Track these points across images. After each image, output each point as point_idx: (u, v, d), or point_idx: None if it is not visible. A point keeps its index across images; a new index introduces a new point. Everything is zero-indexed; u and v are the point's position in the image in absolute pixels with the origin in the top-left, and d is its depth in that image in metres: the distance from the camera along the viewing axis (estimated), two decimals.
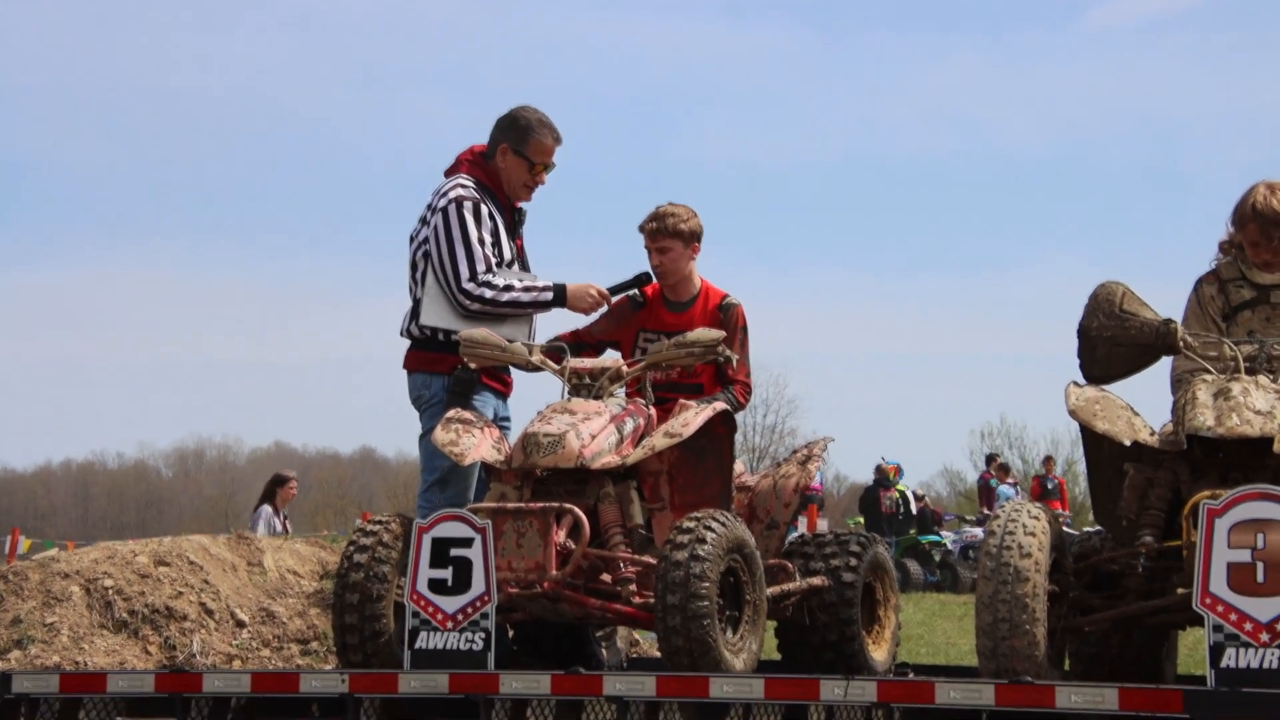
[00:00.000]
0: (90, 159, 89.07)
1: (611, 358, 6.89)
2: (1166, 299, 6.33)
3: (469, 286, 6.94)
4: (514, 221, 7.27)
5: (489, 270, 6.98)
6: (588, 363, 6.63)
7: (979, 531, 22.96)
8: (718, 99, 78.67)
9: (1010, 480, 27.00)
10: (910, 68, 77.02)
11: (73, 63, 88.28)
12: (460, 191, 7.08)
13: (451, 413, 6.52)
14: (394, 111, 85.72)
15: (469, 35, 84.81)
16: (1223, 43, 70.79)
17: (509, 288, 6.99)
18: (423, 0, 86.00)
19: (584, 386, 6.51)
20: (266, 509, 16.24)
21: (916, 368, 70.80)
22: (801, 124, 77.89)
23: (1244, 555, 5.22)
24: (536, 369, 6.66)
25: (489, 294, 6.95)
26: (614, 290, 7.11)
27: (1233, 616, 5.20)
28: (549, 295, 7.07)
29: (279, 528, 15.94)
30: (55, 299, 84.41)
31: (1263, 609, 5.19)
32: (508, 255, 7.13)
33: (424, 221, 7.14)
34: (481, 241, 7.00)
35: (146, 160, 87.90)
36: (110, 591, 8.65)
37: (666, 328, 6.87)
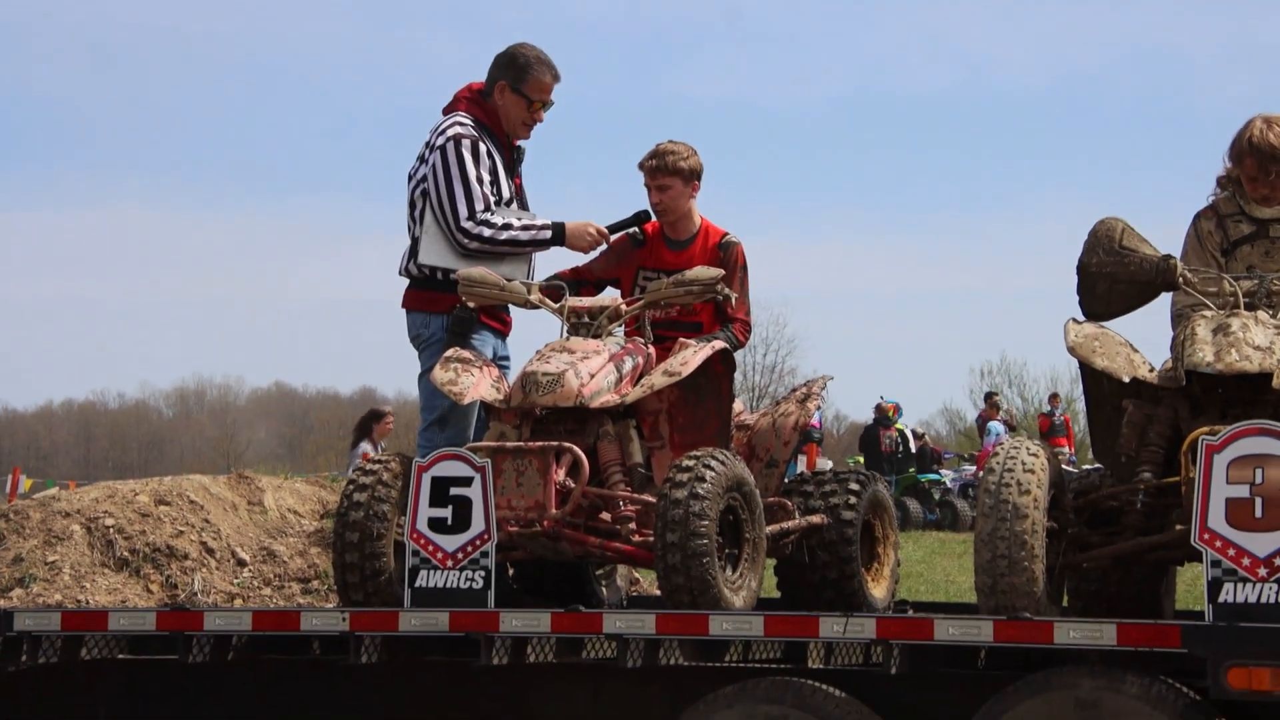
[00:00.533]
0: (88, 96, 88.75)
1: (610, 296, 6.88)
2: (1167, 235, 6.31)
3: (467, 225, 6.92)
4: (513, 160, 7.24)
5: (487, 209, 6.95)
6: (586, 301, 6.62)
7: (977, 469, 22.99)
8: (717, 35, 78.28)
9: (1000, 417, 27.00)
10: (910, 3, 76.61)
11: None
12: (458, 130, 7.05)
13: (450, 352, 6.51)
14: (394, 48, 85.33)
15: None
16: None
17: (507, 226, 6.97)
18: None
19: (583, 325, 6.50)
20: (365, 445, 15.70)
21: (916, 306, 70.79)
22: (801, 60, 77.59)
23: (1242, 491, 5.23)
24: (535, 308, 6.65)
25: (487, 232, 6.93)
26: (613, 229, 7.09)
27: (1231, 552, 5.21)
28: (547, 234, 7.05)
29: None
30: (55, 238, 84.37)
31: (1261, 544, 5.20)
32: (506, 194, 7.10)
33: (422, 160, 7.12)
34: (480, 180, 6.97)
35: (145, 98, 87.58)
36: (111, 530, 8.68)
37: (666, 266, 6.85)
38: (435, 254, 7.01)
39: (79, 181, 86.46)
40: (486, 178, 7.01)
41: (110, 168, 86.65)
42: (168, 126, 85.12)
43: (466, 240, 6.93)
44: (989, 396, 30.43)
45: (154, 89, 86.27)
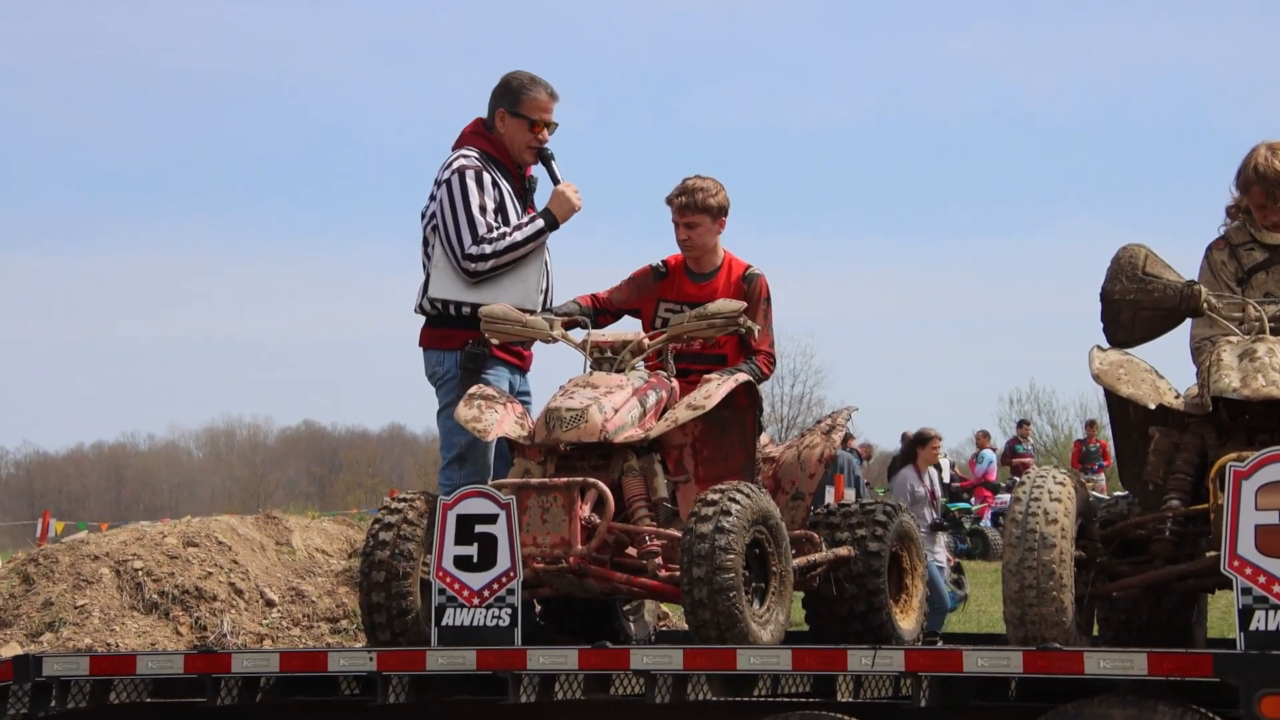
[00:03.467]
0: (112, 138, 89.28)
1: (632, 330, 6.87)
2: (1192, 260, 6.29)
3: (471, 251, 6.98)
4: (524, 188, 7.29)
5: (490, 232, 7.00)
6: (609, 336, 6.62)
7: (1009, 498, 22.91)
8: (744, 64, 78.33)
9: (991, 446, 27.12)
10: (934, 30, 76.63)
11: (87, 42, 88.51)
12: (462, 162, 7.12)
13: (474, 389, 6.52)
14: (413, 88, 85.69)
15: (484, 5, 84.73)
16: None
17: (503, 235, 7.01)
18: None
19: (605, 360, 6.50)
20: (908, 471, 14.89)
21: (945, 334, 70.50)
22: (825, 88, 77.61)
23: (1272, 517, 5.19)
24: (557, 342, 6.66)
25: (489, 249, 6.98)
26: (554, 179, 7.20)
27: (1261, 579, 5.17)
28: (540, 223, 7.11)
29: (921, 490, 14.16)
30: (84, 281, 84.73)
31: None
32: (518, 221, 7.13)
33: (432, 197, 7.17)
34: (483, 209, 7.03)
35: (171, 139, 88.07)
36: (140, 573, 8.70)
37: (688, 299, 6.85)
38: (444, 287, 7.05)
39: (107, 224, 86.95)
40: (490, 206, 7.05)
41: (138, 209, 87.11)
42: (194, 167, 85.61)
43: (472, 266, 6.97)
44: (1021, 425, 30.33)
45: (176, 129, 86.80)
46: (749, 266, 6.99)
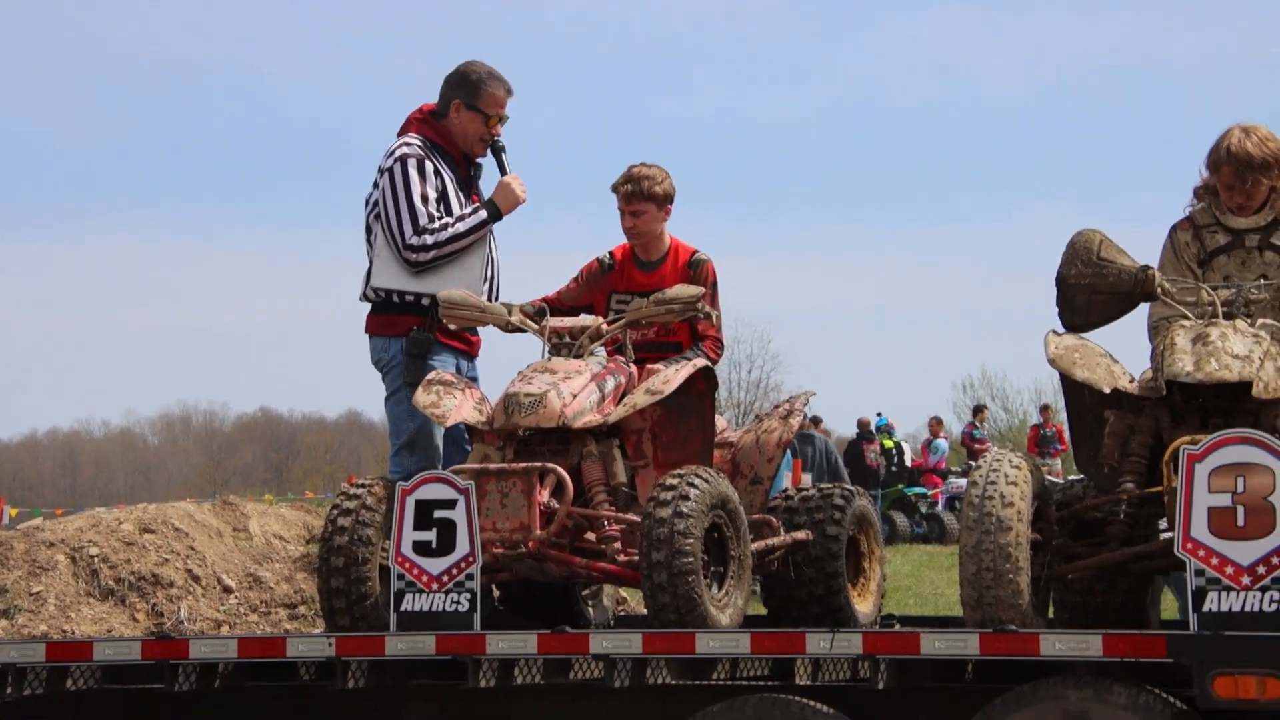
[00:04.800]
0: (65, 123, 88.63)
1: (590, 317, 6.88)
2: (1145, 246, 6.33)
3: (412, 241, 6.99)
4: (470, 176, 7.29)
5: (431, 222, 6.99)
6: (567, 321, 6.62)
7: (964, 483, 23.01)
8: (699, 53, 78.40)
9: (944, 435, 27.34)
10: (891, 17, 76.79)
11: (54, 30, 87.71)
12: (404, 150, 7.11)
13: (432, 374, 6.52)
14: (365, 74, 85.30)
15: None
16: None
17: (444, 226, 7.01)
18: None
19: (564, 345, 6.51)
20: None
21: (899, 320, 70.86)
22: (780, 76, 77.70)
23: (1224, 499, 5.24)
24: (517, 329, 6.66)
25: (430, 240, 6.99)
26: (501, 169, 7.23)
27: (1214, 560, 5.22)
28: (483, 214, 7.13)
29: None
30: (37, 268, 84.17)
31: (1244, 552, 5.20)
32: (459, 211, 7.12)
33: (375, 184, 7.17)
34: (424, 198, 7.03)
35: (123, 126, 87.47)
36: (96, 560, 8.65)
37: (638, 288, 6.86)
38: (387, 276, 7.05)
39: (59, 210, 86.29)
40: (433, 195, 7.05)
41: (90, 196, 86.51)
42: (146, 154, 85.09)
43: (414, 256, 6.98)
44: (977, 410, 30.48)
45: (128, 115, 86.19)
46: (695, 251, 7.00)
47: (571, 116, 73.85)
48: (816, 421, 23.52)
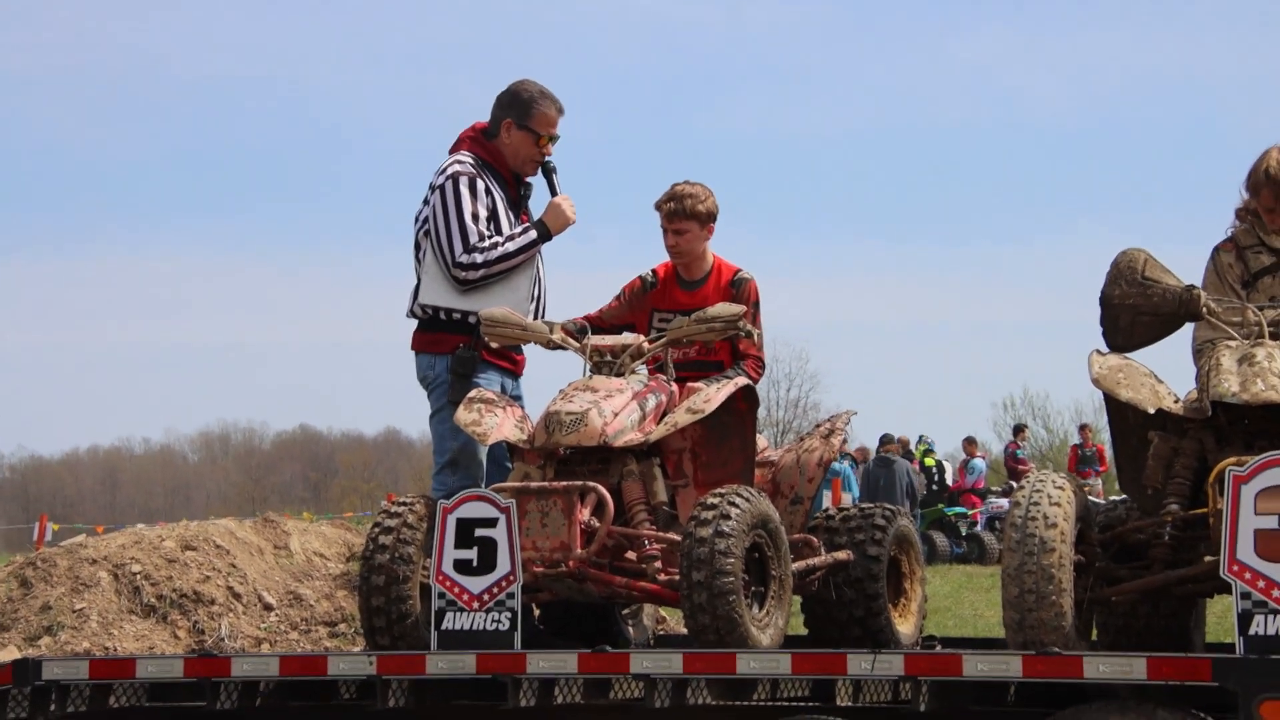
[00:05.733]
0: (109, 137, 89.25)
1: (632, 335, 6.88)
2: (1190, 265, 6.29)
3: (462, 259, 7.00)
4: (519, 196, 7.30)
5: (481, 241, 7.01)
6: (609, 340, 6.62)
7: (1005, 502, 22.90)
8: (747, 70, 78.41)
9: (980, 454, 27.18)
10: (936, 37, 76.65)
11: (92, 52, 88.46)
12: (456, 168, 7.12)
13: (474, 392, 6.53)
14: (413, 93, 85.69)
15: (486, 9, 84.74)
16: (1252, 7, 70.05)
17: (495, 244, 7.02)
18: None
19: (605, 364, 6.51)
20: None
21: (940, 339, 70.55)
22: (826, 94, 77.66)
23: (1271, 521, 5.20)
24: (558, 347, 6.66)
25: (479, 259, 6.99)
26: (553, 190, 7.24)
27: (1260, 583, 5.18)
28: (533, 234, 7.14)
29: None
30: (81, 286, 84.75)
31: None
32: (508, 230, 7.14)
33: (425, 201, 7.19)
34: (475, 216, 7.04)
35: (169, 140, 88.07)
36: (138, 576, 8.68)
37: (680, 306, 6.85)
38: (435, 293, 7.06)
39: (103, 228, 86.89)
40: (483, 213, 7.06)
41: (135, 214, 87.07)
42: (191, 173, 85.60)
43: (463, 274, 6.99)
44: (1017, 430, 30.34)
45: (173, 134, 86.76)
46: (738, 270, 6.99)
47: (614, 133, 73.98)
48: (890, 441, 23.49)
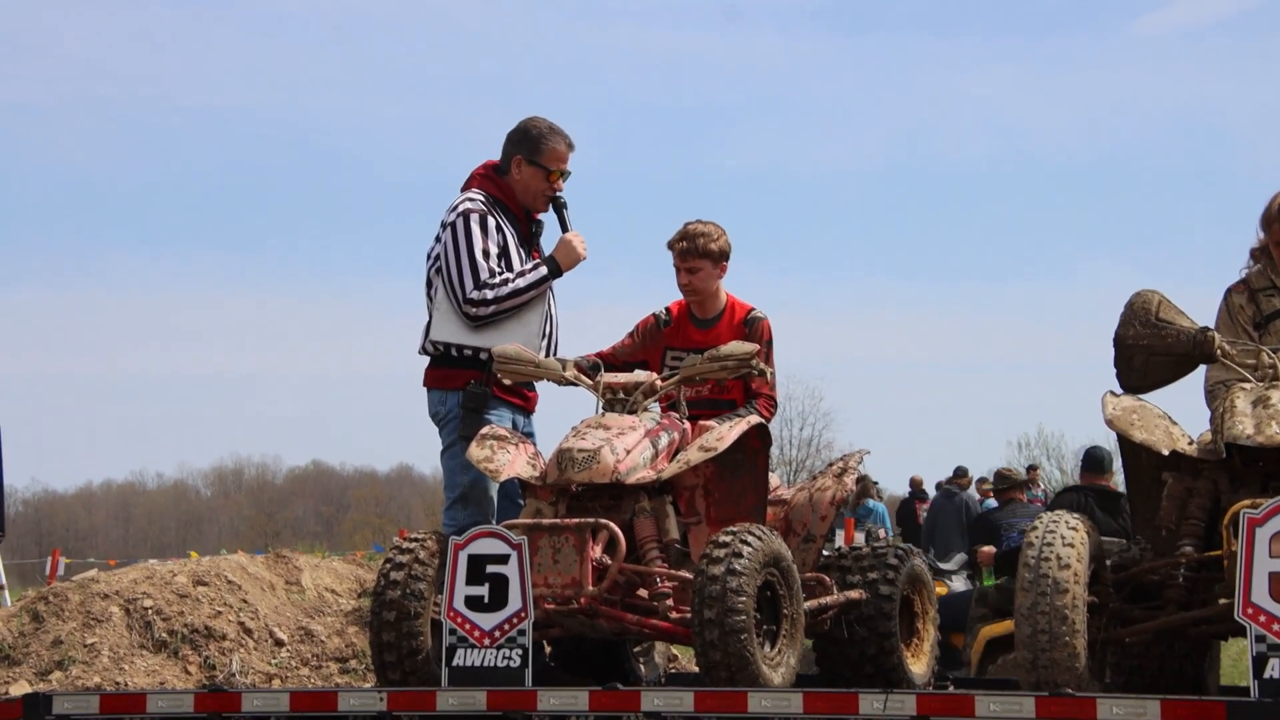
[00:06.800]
0: (117, 169, 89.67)
1: (644, 373, 6.88)
2: (1204, 307, 6.29)
3: (473, 296, 7.01)
4: (531, 233, 7.32)
5: (491, 278, 7.03)
6: (621, 377, 6.63)
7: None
8: (758, 107, 78.62)
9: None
10: (950, 74, 76.86)
11: (93, 78, 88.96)
12: (467, 205, 7.15)
13: (487, 429, 6.53)
14: (424, 128, 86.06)
15: (498, 46, 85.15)
16: (1267, 49, 70.18)
17: (505, 281, 7.04)
18: (452, 11, 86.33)
19: (618, 401, 6.51)
20: None
21: (953, 378, 70.46)
22: (836, 131, 77.83)
23: None
24: (571, 384, 6.67)
25: (490, 295, 7.01)
26: (563, 226, 7.25)
27: (1275, 626, 5.15)
28: (544, 270, 7.15)
29: None
30: (93, 318, 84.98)
31: None
32: (520, 267, 7.16)
33: (437, 239, 7.21)
34: (486, 254, 7.06)
35: (179, 173, 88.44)
36: (150, 612, 8.69)
37: (694, 345, 6.87)
38: (446, 330, 7.08)
39: (113, 260, 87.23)
40: (494, 250, 7.08)
41: (146, 246, 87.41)
42: (202, 204, 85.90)
43: (474, 311, 7.01)
44: (1030, 470, 30.28)
45: (183, 164, 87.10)
46: (751, 309, 7.01)
47: (626, 169, 74.21)
48: (964, 475, 23.45)
